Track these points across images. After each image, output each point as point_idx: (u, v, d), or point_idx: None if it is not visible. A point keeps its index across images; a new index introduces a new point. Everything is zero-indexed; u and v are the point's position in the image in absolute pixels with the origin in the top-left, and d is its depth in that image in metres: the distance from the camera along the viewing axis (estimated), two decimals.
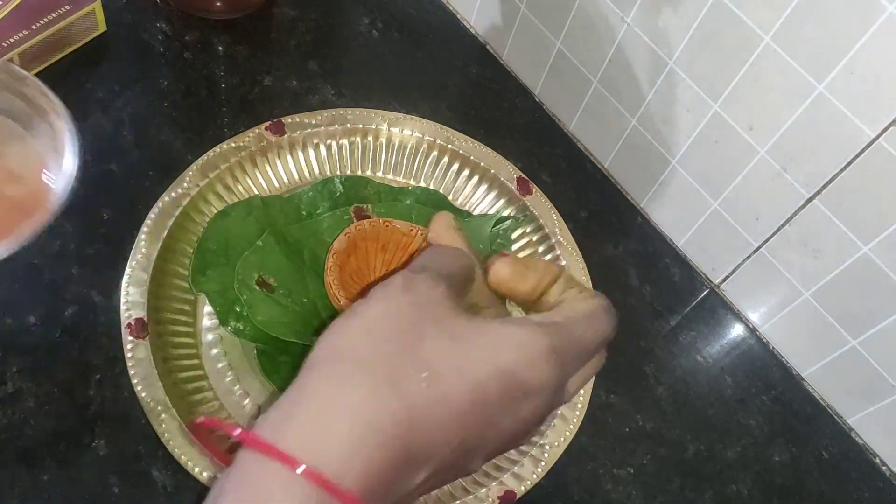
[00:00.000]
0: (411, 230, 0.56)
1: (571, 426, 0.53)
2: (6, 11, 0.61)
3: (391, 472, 0.28)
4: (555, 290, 0.37)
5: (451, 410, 0.29)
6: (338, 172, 0.61)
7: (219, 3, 0.68)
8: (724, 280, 0.64)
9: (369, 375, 0.29)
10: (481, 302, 0.37)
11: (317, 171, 0.61)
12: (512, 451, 0.52)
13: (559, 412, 0.53)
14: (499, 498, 0.50)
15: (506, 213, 0.61)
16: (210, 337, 0.53)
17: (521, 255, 0.60)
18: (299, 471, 0.27)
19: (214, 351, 0.53)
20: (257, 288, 0.53)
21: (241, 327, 0.53)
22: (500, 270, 0.37)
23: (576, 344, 0.34)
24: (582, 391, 0.54)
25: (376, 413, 0.28)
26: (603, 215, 0.66)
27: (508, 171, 0.62)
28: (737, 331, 0.64)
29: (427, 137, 0.62)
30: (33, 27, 0.61)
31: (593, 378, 0.54)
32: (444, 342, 0.31)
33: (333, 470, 0.27)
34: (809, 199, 0.54)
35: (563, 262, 0.59)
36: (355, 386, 0.29)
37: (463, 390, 0.30)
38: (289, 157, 0.60)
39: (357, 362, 0.30)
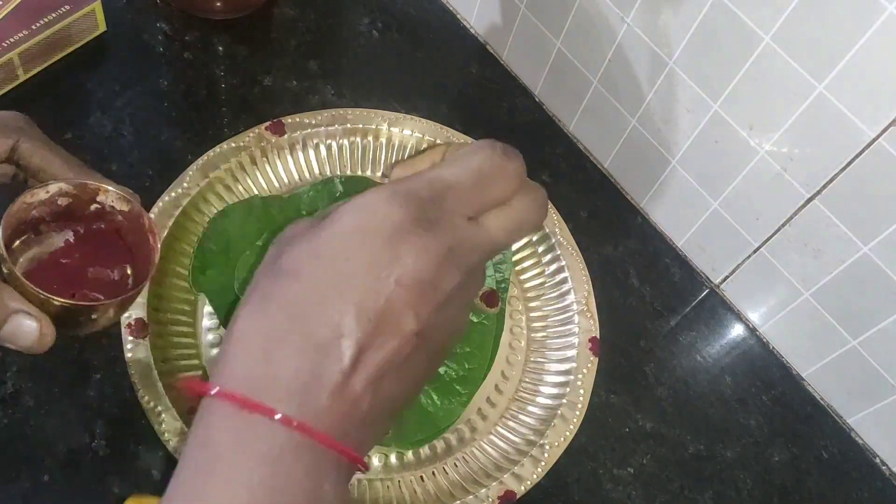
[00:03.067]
0: None
1: (571, 426, 0.53)
2: (6, 11, 0.61)
3: (302, 359, 0.32)
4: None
5: (321, 288, 0.33)
6: (338, 172, 0.61)
7: (219, 3, 0.68)
8: (724, 280, 0.64)
9: (249, 300, 0.34)
10: None
11: (317, 171, 0.61)
12: (512, 451, 0.52)
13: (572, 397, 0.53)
14: (499, 498, 0.50)
15: None
16: (210, 337, 0.53)
17: (519, 255, 0.61)
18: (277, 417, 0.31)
19: (214, 351, 0.53)
20: None
21: None
22: (394, 174, 0.40)
23: (431, 182, 0.35)
24: (582, 391, 0.54)
25: (259, 330, 0.33)
26: (603, 215, 0.66)
27: None
28: (737, 331, 0.64)
29: (427, 137, 0.62)
30: (33, 27, 0.61)
31: (592, 376, 0.55)
32: (301, 245, 0.34)
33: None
34: (809, 199, 0.54)
35: (563, 262, 0.59)
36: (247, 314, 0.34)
37: (321, 266, 0.33)
38: (289, 157, 0.60)
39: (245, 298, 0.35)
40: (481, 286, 0.39)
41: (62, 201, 0.43)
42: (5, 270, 0.40)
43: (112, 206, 0.44)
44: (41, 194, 0.42)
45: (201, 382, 0.32)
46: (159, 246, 0.44)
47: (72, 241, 0.45)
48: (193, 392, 0.33)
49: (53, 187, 0.42)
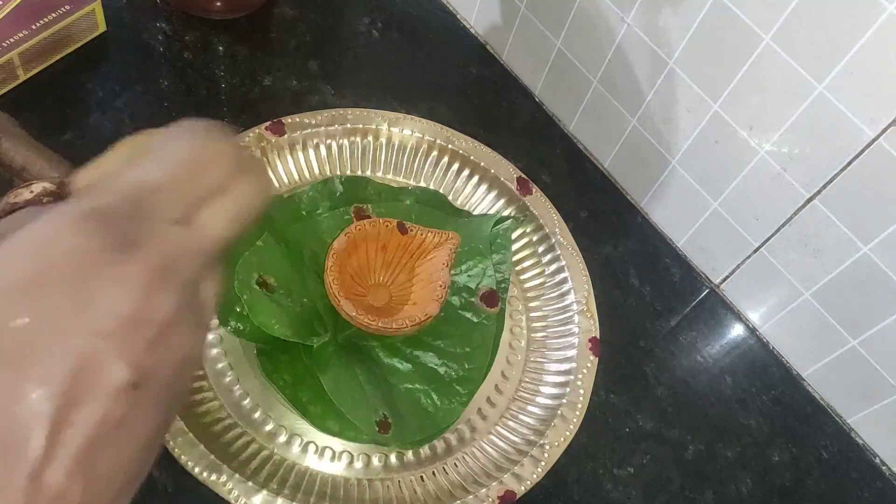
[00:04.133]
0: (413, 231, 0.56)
1: (571, 426, 0.53)
2: (6, 11, 0.61)
3: None
4: None
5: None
6: (338, 172, 0.61)
7: (219, 3, 0.68)
8: (724, 280, 0.64)
9: None
10: None
11: (317, 171, 0.61)
12: (512, 451, 0.52)
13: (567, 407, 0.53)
14: (499, 498, 0.50)
15: (506, 213, 0.61)
16: (210, 337, 0.53)
17: (519, 255, 0.61)
18: None
19: (214, 351, 0.53)
20: (257, 288, 0.53)
21: (241, 327, 0.53)
22: (77, 180, 0.34)
23: (124, 190, 0.29)
24: (582, 391, 0.54)
25: None
26: (603, 215, 0.66)
27: (508, 171, 0.62)
28: (737, 331, 0.64)
29: (427, 137, 0.62)
30: (33, 27, 0.61)
31: (592, 376, 0.55)
32: None
33: None
34: (809, 199, 0.54)
35: (563, 262, 0.59)
36: None
37: None
38: (289, 157, 0.60)
39: None
40: (215, 293, 0.32)
41: (48, 201, 0.43)
42: None
43: None
44: (25, 194, 0.42)
45: None
46: None
47: None
48: None
49: (37, 186, 0.42)
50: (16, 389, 0.25)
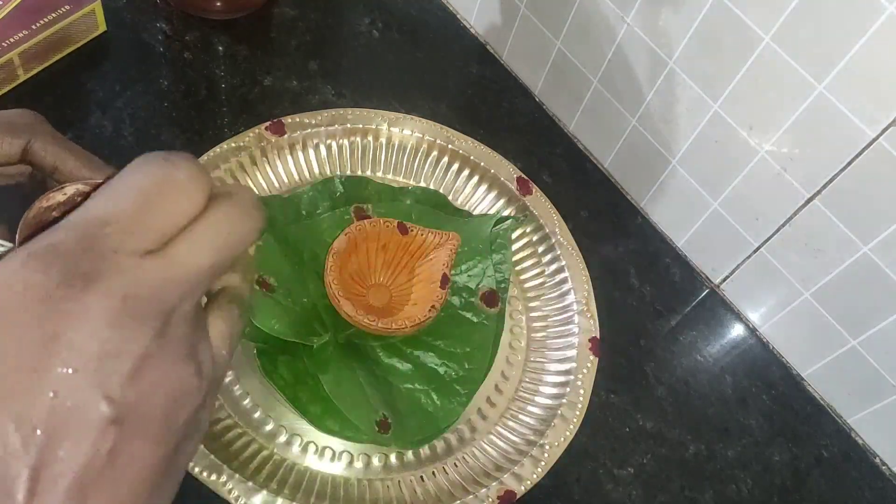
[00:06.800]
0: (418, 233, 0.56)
1: (571, 426, 0.53)
2: (6, 11, 0.61)
3: None
4: None
5: None
6: (338, 172, 0.61)
7: (219, 3, 0.68)
8: (724, 280, 0.64)
9: None
10: None
11: (317, 171, 0.61)
12: (512, 451, 0.52)
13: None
14: (499, 498, 0.50)
15: (506, 213, 0.61)
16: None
17: (519, 255, 0.60)
18: None
19: None
20: (257, 288, 0.53)
21: None
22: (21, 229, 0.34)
23: (76, 226, 0.28)
24: (582, 391, 0.54)
25: None
26: (603, 215, 0.66)
27: (508, 171, 0.62)
28: (737, 331, 0.64)
29: (427, 137, 0.62)
30: (33, 27, 0.61)
31: (592, 376, 0.55)
32: None
33: None
34: (809, 199, 0.54)
35: (563, 262, 0.59)
36: None
37: None
38: (289, 157, 0.60)
39: None
40: (224, 323, 0.33)
41: (82, 201, 0.43)
42: None
43: None
44: (58, 197, 0.41)
45: None
46: None
47: None
48: None
49: (70, 189, 0.42)
50: None
